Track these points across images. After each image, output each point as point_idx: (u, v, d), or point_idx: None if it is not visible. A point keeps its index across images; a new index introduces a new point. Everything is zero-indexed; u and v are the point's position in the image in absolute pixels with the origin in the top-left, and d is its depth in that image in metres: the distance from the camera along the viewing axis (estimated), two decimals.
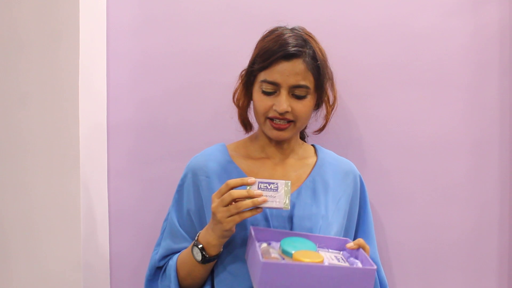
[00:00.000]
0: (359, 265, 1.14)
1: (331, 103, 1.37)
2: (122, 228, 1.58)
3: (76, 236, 1.41)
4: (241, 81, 1.34)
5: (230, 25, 1.55)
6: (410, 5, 1.54)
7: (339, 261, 1.16)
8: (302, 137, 1.46)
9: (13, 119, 1.45)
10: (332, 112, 1.38)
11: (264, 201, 1.13)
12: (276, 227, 1.26)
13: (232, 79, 1.39)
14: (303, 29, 1.30)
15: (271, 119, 1.26)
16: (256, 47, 1.30)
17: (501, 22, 1.53)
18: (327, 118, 1.38)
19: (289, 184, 1.15)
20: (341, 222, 1.31)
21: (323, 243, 1.21)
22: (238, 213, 1.13)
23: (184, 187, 1.34)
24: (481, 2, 1.53)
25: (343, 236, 1.33)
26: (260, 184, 1.15)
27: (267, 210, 1.27)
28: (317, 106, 1.33)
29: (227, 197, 1.13)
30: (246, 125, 1.41)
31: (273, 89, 1.25)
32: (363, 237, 1.36)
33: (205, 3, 1.55)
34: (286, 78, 1.22)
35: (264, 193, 1.14)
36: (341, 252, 1.22)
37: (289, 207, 1.14)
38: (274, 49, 1.23)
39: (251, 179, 1.14)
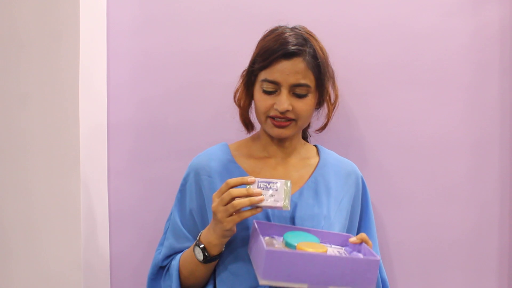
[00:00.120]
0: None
1: (332, 101, 1.37)
2: (122, 228, 1.57)
3: (76, 236, 1.41)
4: (242, 81, 1.34)
5: (230, 24, 1.55)
6: (410, 4, 1.54)
7: (341, 255, 1.15)
8: (305, 137, 1.46)
9: (13, 119, 1.45)
10: (334, 111, 1.38)
11: (261, 200, 1.12)
12: None
13: (232, 79, 1.39)
14: (303, 28, 1.30)
15: (272, 117, 1.26)
16: (256, 47, 1.30)
17: (502, 22, 1.53)
18: (328, 117, 1.38)
19: (289, 183, 1.14)
20: (343, 223, 1.31)
21: (326, 238, 1.21)
22: (236, 212, 1.13)
23: (186, 186, 1.34)
24: (482, 2, 1.53)
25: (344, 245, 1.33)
26: (259, 183, 1.15)
27: (269, 210, 1.27)
28: (319, 104, 1.33)
29: (226, 196, 1.13)
30: (248, 125, 1.41)
31: (274, 88, 1.25)
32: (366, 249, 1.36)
33: (205, 3, 1.55)
34: (287, 77, 1.22)
35: (264, 192, 1.14)
36: (344, 248, 1.22)
37: (289, 208, 1.14)
38: (274, 48, 1.23)
39: (250, 178, 1.14)
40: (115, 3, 1.55)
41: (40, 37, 1.42)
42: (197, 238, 1.24)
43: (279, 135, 1.28)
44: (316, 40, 1.29)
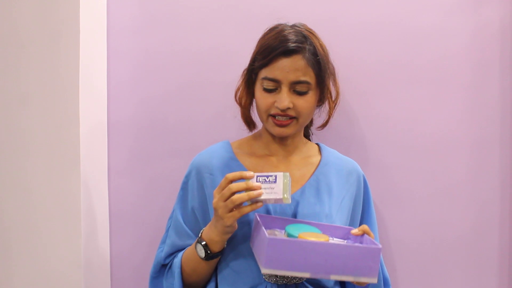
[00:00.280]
0: None
1: (333, 98, 1.37)
2: (123, 227, 1.57)
3: (76, 235, 1.41)
4: (243, 80, 1.35)
5: (231, 23, 1.55)
6: (411, 3, 1.54)
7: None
8: (307, 135, 1.46)
9: (13, 118, 1.45)
10: (335, 108, 1.38)
11: (260, 194, 1.12)
12: None
13: (233, 78, 1.39)
14: (304, 26, 1.30)
15: (274, 116, 1.26)
16: (256, 45, 1.30)
17: (502, 21, 1.53)
18: (329, 114, 1.38)
19: (288, 175, 1.14)
20: (344, 221, 1.31)
21: (328, 231, 1.21)
22: (236, 207, 1.13)
23: (188, 184, 1.34)
24: (482, 1, 1.53)
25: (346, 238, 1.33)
26: (258, 177, 1.14)
27: (270, 207, 1.27)
28: (320, 102, 1.33)
29: (226, 191, 1.13)
30: (249, 123, 1.41)
31: (274, 86, 1.25)
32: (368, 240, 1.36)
33: (205, 2, 1.56)
34: (287, 75, 1.22)
35: (263, 185, 1.13)
36: (346, 241, 1.22)
37: (290, 200, 1.13)
38: (274, 45, 1.23)
39: (249, 173, 1.14)
40: (115, 2, 1.55)
41: (40, 36, 1.42)
42: (199, 235, 1.24)
43: (281, 134, 1.28)
44: (316, 37, 1.29)
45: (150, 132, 1.57)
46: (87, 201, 1.44)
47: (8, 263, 1.46)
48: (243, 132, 1.44)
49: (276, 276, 1.22)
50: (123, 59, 1.56)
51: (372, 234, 1.20)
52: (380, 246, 1.09)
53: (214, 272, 1.30)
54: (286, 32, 1.25)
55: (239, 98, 1.37)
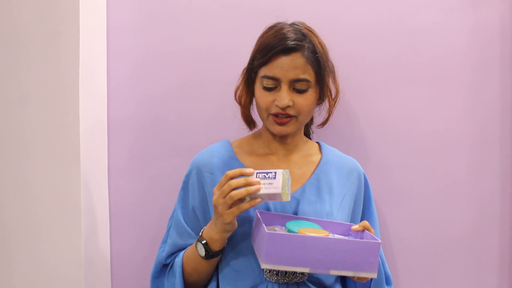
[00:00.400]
0: None
1: (333, 96, 1.36)
2: (123, 226, 1.57)
3: (76, 234, 1.41)
4: (242, 79, 1.35)
5: (231, 22, 1.55)
6: (411, 2, 1.54)
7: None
8: (307, 134, 1.46)
9: (13, 117, 1.45)
10: (335, 105, 1.38)
11: (258, 189, 1.12)
12: None
13: (233, 77, 1.39)
14: (303, 24, 1.30)
15: (274, 115, 1.26)
16: (256, 44, 1.30)
17: (502, 19, 1.53)
18: (329, 111, 1.37)
19: (288, 172, 1.14)
20: (345, 220, 1.31)
21: (328, 227, 1.21)
22: (235, 203, 1.13)
23: (189, 184, 1.34)
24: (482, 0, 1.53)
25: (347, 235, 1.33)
26: (258, 174, 1.14)
27: (271, 205, 1.27)
28: (320, 100, 1.33)
29: (226, 188, 1.13)
30: (250, 122, 1.41)
31: (274, 84, 1.25)
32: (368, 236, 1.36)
33: (205, 1, 1.56)
34: (286, 73, 1.22)
35: (263, 181, 1.13)
36: (346, 237, 1.22)
37: (289, 197, 1.13)
38: (273, 44, 1.23)
39: (249, 170, 1.14)
40: (115, 1, 1.55)
41: (40, 35, 1.42)
42: (200, 234, 1.23)
43: (281, 132, 1.28)
44: (315, 35, 1.29)
45: (150, 131, 1.57)
46: (87, 201, 1.44)
47: (8, 262, 1.46)
48: (243, 131, 1.44)
49: (277, 274, 1.22)
50: (123, 58, 1.56)
51: (372, 230, 1.20)
52: (379, 240, 1.09)
53: (215, 272, 1.30)
54: (285, 30, 1.25)
55: (239, 97, 1.37)
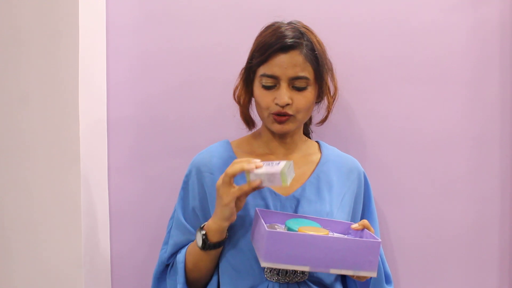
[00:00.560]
0: None
1: (332, 94, 1.36)
2: (123, 225, 1.57)
3: (76, 234, 1.41)
4: (241, 78, 1.35)
5: (230, 21, 1.55)
6: (410, 0, 1.54)
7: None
8: (307, 133, 1.46)
9: (13, 117, 1.45)
10: (334, 103, 1.38)
11: (256, 167, 1.13)
12: None
13: (233, 76, 1.38)
14: (300, 22, 1.31)
15: (274, 114, 1.26)
16: (254, 43, 1.30)
17: (502, 17, 1.53)
18: (328, 109, 1.37)
19: (292, 162, 1.15)
20: (345, 219, 1.31)
21: (328, 226, 1.21)
22: (237, 193, 1.14)
23: (189, 184, 1.34)
24: None
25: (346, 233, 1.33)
26: (264, 163, 1.16)
27: (271, 205, 1.27)
28: (319, 98, 1.33)
29: (228, 170, 1.15)
30: (249, 122, 1.41)
31: (273, 83, 1.25)
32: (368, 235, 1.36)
33: (205, 0, 1.55)
34: (285, 71, 1.23)
35: (265, 164, 1.16)
36: (346, 236, 1.22)
37: (288, 182, 1.12)
38: (271, 42, 1.23)
39: (256, 160, 1.16)
40: (114, 1, 1.55)
41: (40, 35, 1.42)
42: (201, 226, 1.24)
43: (280, 130, 1.28)
44: (312, 33, 1.29)
45: (150, 131, 1.57)
46: (87, 200, 1.44)
47: (8, 262, 1.46)
48: (243, 130, 1.44)
49: (278, 274, 1.22)
50: (122, 58, 1.56)
51: (372, 228, 1.20)
52: (379, 240, 1.09)
53: (216, 271, 1.30)
54: (283, 29, 1.25)
55: (237, 96, 1.37)
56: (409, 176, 1.55)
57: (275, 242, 1.06)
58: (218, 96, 1.54)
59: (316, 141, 1.43)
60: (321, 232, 1.12)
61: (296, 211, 1.27)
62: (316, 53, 1.25)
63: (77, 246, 1.41)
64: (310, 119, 1.46)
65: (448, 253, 1.56)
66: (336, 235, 1.21)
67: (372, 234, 1.15)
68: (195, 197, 1.32)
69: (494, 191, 1.55)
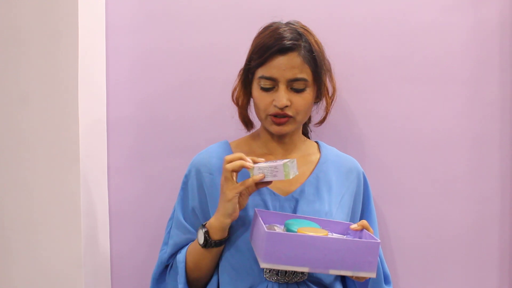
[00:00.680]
0: None
1: (330, 94, 1.36)
2: (123, 225, 1.57)
3: (76, 234, 1.41)
4: (239, 80, 1.35)
5: (230, 21, 1.55)
6: (409, 0, 1.53)
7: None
8: (306, 132, 1.46)
9: (13, 117, 1.45)
10: (332, 104, 1.38)
11: (257, 161, 1.16)
12: None
13: (233, 76, 1.38)
14: (298, 23, 1.30)
15: (272, 115, 1.26)
16: (252, 44, 1.30)
17: (501, 17, 1.53)
18: (327, 110, 1.37)
19: (295, 160, 1.17)
20: (344, 219, 1.31)
21: (327, 226, 1.22)
22: (240, 187, 1.16)
23: (188, 184, 1.34)
24: None
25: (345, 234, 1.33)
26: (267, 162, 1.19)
27: (270, 205, 1.27)
28: (318, 98, 1.33)
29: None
30: (247, 123, 1.41)
31: (272, 85, 1.25)
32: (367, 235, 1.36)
33: (204, 0, 1.55)
34: (283, 72, 1.22)
35: (267, 161, 1.18)
36: (345, 236, 1.22)
37: (290, 176, 1.13)
38: (269, 44, 1.23)
39: (256, 159, 1.18)
40: (114, 0, 1.55)
41: (39, 35, 1.42)
42: (202, 224, 1.24)
43: (279, 132, 1.28)
44: (311, 34, 1.29)
45: (150, 130, 1.57)
46: (87, 200, 1.44)
47: (8, 262, 1.46)
48: (243, 130, 1.44)
49: (277, 274, 1.22)
50: (122, 58, 1.56)
51: (371, 229, 1.20)
52: (378, 240, 1.09)
53: (216, 271, 1.30)
54: (281, 30, 1.25)
55: (236, 98, 1.37)
56: (408, 176, 1.55)
57: (274, 243, 1.06)
58: (218, 96, 1.54)
59: (316, 141, 1.42)
60: (320, 233, 1.12)
61: (295, 211, 1.27)
62: (314, 55, 1.25)
63: (77, 246, 1.41)
64: (309, 118, 1.45)
65: (448, 253, 1.55)
66: (335, 235, 1.21)
67: (371, 234, 1.16)
68: (194, 198, 1.32)
69: (494, 191, 1.55)
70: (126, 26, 1.55)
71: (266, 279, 1.23)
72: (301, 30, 1.27)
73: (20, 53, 1.44)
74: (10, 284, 1.46)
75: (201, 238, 1.23)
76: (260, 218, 1.15)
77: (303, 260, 1.08)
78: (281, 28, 1.26)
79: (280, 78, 1.23)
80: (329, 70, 1.33)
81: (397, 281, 1.55)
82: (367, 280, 1.25)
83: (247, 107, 1.38)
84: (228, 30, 1.55)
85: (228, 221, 1.20)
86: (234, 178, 1.17)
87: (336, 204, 1.31)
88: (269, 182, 1.18)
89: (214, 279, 1.30)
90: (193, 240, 1.30)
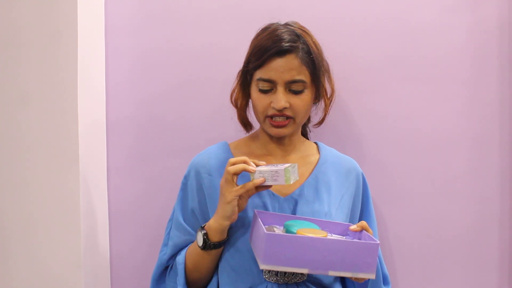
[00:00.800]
0: None
1: (328, 95, 1.36)
2: (123, 226, 1.57)
3: (76, 234, 1.41)
4: (238, 81, 1.35)
5: (229, 21, 1.55)
6: (409, 0, 1.53)
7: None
8: (304, 133, 1.46)
9: (12, 117, 1.45)
10: (331, 105, 1.37)
11: (258, 164, 1.16)
12: None
13: (232, 76, 1.38)
14: (296, 24, 1.30)
15: (271, 117, 1.26)
16: (250, 46, 1.30)
17: (500, 17, 1.52)
18: (325, 111, 1.37)
19: (296, 165, 1.17)
20: (344, 220, 1.31)
21: (326, 227, 1.22)
22: (241, 191, 1.16)
23: (187, 185, 1.34)
24: None
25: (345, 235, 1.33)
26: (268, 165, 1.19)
27: (269, 206, 1.27)
28: (316, 99, 1.33)
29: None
30: (246, 124, 1.41)
31: (270, 87, 1.24)
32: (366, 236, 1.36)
33: (204, 0, 1.55)
34: (281, 74, 1.22)
35: (268, 165, 1.18)
36: (345, 237, 1.22)
37: (291, 180, 1.13)
38: (267, 46, 1.23)
39: (261, 162, 1.18)
40: (113, 0, 1.55)
41: (39, 35, 1.42)
42: (201, 226, 1.24)
43: (278, 134, 1.28)
44: (309, 35, 1.29)
45: (149, 131, 1.57)
46: (86, 201, 1.44)
47: (8, 263, 1.46)
48: (242, 131, 1.44)
49: (277, 275, 1.22)
50: (121, 58, 1.56)
51: (370, 230, 1.20)
52: (378, 241, 1.09)
53: (216, 272, 1.30)
54: (279, 32, 1.25)
55: (234, 100, 1.37)
56: (408, 176, 1.55)
57: (273, 245, 1.06)
58: (217, 96, 1.54)
59: (315, 142, 1.42)
60: (320, 234, 1.12)
61: (294, 211, 1.27)
62: (312, 56, 1.25)
63: (77, 246, 1.41)
64: (308, 119, 1.45)
65: (448, 253, 1.55)
66: (334, 236, 1.21)
67: (371, 235, 1.16)
68: (194, 199, 1.32)
69: (494, 191, 1.55)
70: (125, 26, 1.55)
71: (265, 280, 1.23)
72: (299, 31, 1.26)
73: (20, 53, 1.44)
74: (9, 284, 1.46)
75: (200, 240, 1.23)
76: (259, 219, 1.15)
77: (303, 261, 1.08)
78: (279, 29, 1.26)
79: (278, 80, 1.23)
80: (328, 71, 1.33)
81: (396, 281, 1.55)
82: (366, 281, 1.25)
83: (246, 108, 1.38)
84: (228, 30, 1.55)
85: (227, 223, 1.20)
86: (235, 180, 1.17)
87: (336, 204, 1.31)
88: (269, 186, 1.18)
89: (214, 280, 1.30)
90: (192, 241, 1.30)
